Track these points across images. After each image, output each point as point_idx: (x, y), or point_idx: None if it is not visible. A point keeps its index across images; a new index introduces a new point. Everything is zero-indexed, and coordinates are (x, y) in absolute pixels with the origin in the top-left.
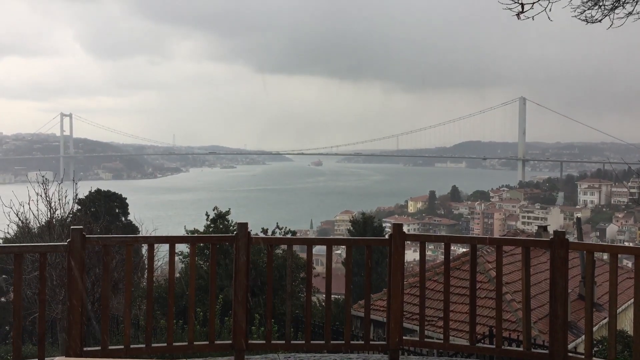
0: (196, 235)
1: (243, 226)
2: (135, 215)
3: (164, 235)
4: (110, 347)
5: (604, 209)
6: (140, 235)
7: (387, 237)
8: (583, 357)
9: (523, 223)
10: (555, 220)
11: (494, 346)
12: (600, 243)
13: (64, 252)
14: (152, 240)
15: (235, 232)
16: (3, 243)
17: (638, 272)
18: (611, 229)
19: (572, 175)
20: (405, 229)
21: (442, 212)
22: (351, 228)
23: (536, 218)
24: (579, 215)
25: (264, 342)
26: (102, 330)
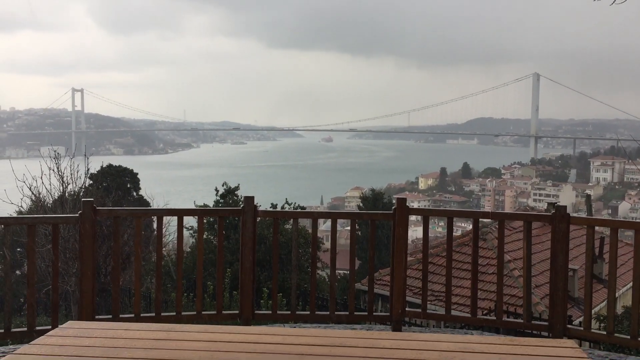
0: (204, 208)
1: (250, 199)
2: (146, 190)
3: (173, 208)
4: (121, 316)
5: (617, 187)
6: (149, 208)
7: (391, 211)
8: (582, 329)
9: (534, 200)
10: (567, 197)
11: (495, 318)
12: (602, 217)
13: (75, 223)
14: (161, 213)
15: (242, 206)
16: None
17: (638, 246)
18: (623, 206)
19: (585, 152)
20: (415, 205)
21: (453, 189)
22: (361, 204)
23: (548, 195)
24: (589, 192)
25: (270, 312)
26: (113, 299)
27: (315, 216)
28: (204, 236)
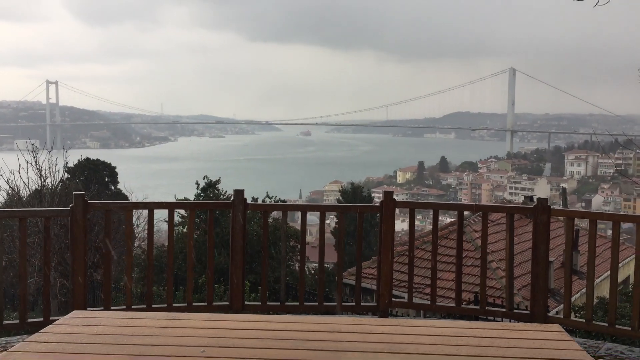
0: (195, 201)
1: (239, 193)
2: (125, 184)
3: (163, 201)
4: (112, 308)
5: (590, 180)
6: (140, 201)
7: (378, 204)
8: (562, 317)
9: (510, 194)
10: (542, 190)
11: (478, 307)
12: (581, 210)
13: (67, 216)
14: (152, 206)
15: (232, 199)
16: None
17: (615, 238)
18: (597, 199)
19: (559, 146)
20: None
21: (431, 183)
22: (340, 198)
23: (523, 189)
24: (564, 185)
25: (259, 303)
26: (105, 292)
27: (304, 209)
28: (183, 230)
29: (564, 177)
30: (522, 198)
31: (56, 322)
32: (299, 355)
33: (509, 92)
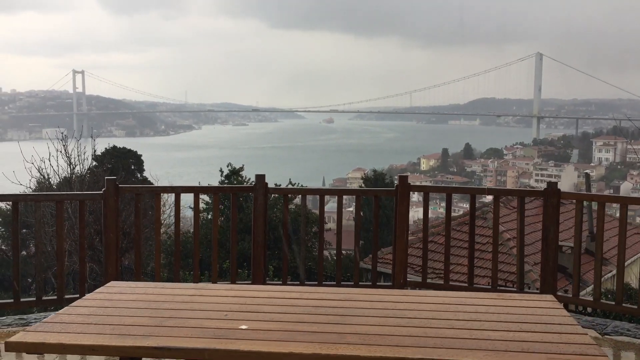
0: (218, 186)
1: (261, 177)
2: (150, 171)
3: (188, 185)
4: None
5: (619, 167)
6: (167, 185)
7: (393, 188)
8: (571, 295)
9: (536, 181)
10: (569, 177)
11: (490, 287)
12: (590, 193)
13: (99, 199)
14: (179, 190)
15: (254, 183)
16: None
17: (622, 219)
18: (625, 186)
19: (587, 132)
20: None
21: (455, 170)
22: (363, 185)
23: (550, 175)
24: (588, 171)
25: (280, 282)
26: (136, 268)
27: (322, 193)
28: (207, 216)
29: (592, 164)
30: (547, 185)
31: (96, 291)
32: (310, 319)
33: (536, 77)
